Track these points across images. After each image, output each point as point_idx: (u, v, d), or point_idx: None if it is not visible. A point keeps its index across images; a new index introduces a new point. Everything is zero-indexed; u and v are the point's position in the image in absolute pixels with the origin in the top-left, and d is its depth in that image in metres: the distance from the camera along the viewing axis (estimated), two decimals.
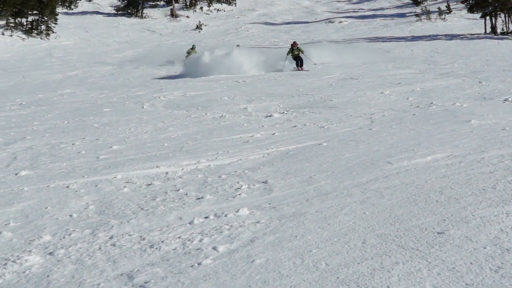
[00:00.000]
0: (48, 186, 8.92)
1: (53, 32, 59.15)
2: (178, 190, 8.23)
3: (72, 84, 28.36)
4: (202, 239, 6.01)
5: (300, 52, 31.99)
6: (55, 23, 60.41)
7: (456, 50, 37.21)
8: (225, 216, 6.79)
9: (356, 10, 68.92)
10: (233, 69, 29.93)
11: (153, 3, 75.57)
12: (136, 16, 72.60)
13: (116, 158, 10.85)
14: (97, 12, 74.53)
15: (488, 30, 50.99)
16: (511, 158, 8.70)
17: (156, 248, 5.86)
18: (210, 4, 75.30)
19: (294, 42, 33.75)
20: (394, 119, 13.02)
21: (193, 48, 40.08)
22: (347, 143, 10.72)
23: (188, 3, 75.63)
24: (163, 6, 76.17)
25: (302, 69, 31.04)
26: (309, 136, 11.81)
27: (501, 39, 45.76)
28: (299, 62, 31.62)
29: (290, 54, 32.23)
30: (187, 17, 71.40)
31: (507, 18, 51.42)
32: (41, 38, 57.56)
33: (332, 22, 62.34)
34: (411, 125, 12.11)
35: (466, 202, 6.57)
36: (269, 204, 7.21)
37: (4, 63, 41.66)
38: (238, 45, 40.06)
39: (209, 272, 5.17)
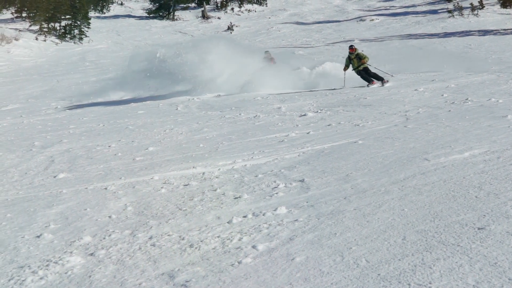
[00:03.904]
0: (86, 188, 9.01)
1: (86, 36, 59.55)
2: (215, 190, 8.27)
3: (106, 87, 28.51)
4: (242, 238, 6.03)
5: (363, 62, 21.36)
6: (88, 27, 60.84)
7: (490, 45, 36.79)
8: (263, 215, 6.80)
9: (388, 7, 68.47)
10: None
11: (185, 6, 75.83)
12: (167, 18, 72.84)
13: (153, 159, 10.92)
14: (129, 16, 74.93)
15: None
16: None
17: (196, 248, 5.89)
18: (241, 5, 75.30)
19: (351, 46, 22.16)
20: (430, 116, 12.92)
21: None
22: (383, 141, 10.67)
23: (219, 5, 75.77)
24: (194, 8, 76.35)
25: (374, 83, 20.90)
26: (344, 134, 11.78)
27: None
28: (369, 76, 21.16)
29: (351, 68, 21.73)
30: (219, 18, 71.45)
31: None
32: (74, 43, 57.99)
33: (363, 20, 61.94)
34: (447, 121, 12.01)
35: (506, 197, 6.50)
36: (307, 202, 7.21)
37: (38, 68, 42.06)
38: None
39: (250, 270, 5.19)
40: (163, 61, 24.31)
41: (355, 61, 21.50)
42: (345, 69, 21.98)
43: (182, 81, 23.59)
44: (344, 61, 22.64)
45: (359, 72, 21.46)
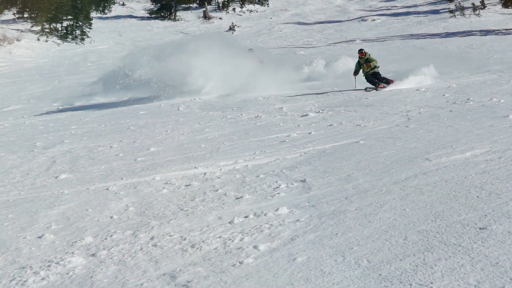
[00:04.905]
0: (87, 188, 9.01)
1: (88, 36, 59.55)
2: (217, 190, 8.26)
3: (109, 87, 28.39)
4: (243, 238, 6.03)
5: (373, 67, 20.51)
6: (90, 28, 60.81)
7: (492, 45, 36.71)
8: (265, 215, 6.80)
9: (389, 7, 68.37)
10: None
11: (186, 6, 75.78)
12: (169, 19, 72.78)
13: (154, 159, 10.92)
14: (131, 16, 74.87)
15: None
16: None
17: (197, 248, 5.89)
18: (243, 5, 75.22)
19: (361, 50, 21.27)
20: (431, 116, 12.90)
21: None
22: (385, 141, 10.66)
23: (220, 5, 75.73)
24: (196, 8, 76.31)
25: (382, 87, 20.06)
26: (345, 135, 11.77)
27: None
28: (376, 80, 20.33)
29: (362, 73, 20.80)
30: (220, 18, 71.35)
31: None
32: (76, 43, 57.98)
33: (365, 20, 61.84)
34: (448, 121, 12.00)
35: (507, 197, 6.50)
36: (308, 202, 7.21)
37: (40, 68, 42.04)
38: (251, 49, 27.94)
39: (251, 270, 5.19)
40: (126, 75, 22.93)
41: (365, 66, 20.66)
42: (355, 74, 20.98)
43: (164, 92, 22.40)
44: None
45: (367, 77, 20.57)
